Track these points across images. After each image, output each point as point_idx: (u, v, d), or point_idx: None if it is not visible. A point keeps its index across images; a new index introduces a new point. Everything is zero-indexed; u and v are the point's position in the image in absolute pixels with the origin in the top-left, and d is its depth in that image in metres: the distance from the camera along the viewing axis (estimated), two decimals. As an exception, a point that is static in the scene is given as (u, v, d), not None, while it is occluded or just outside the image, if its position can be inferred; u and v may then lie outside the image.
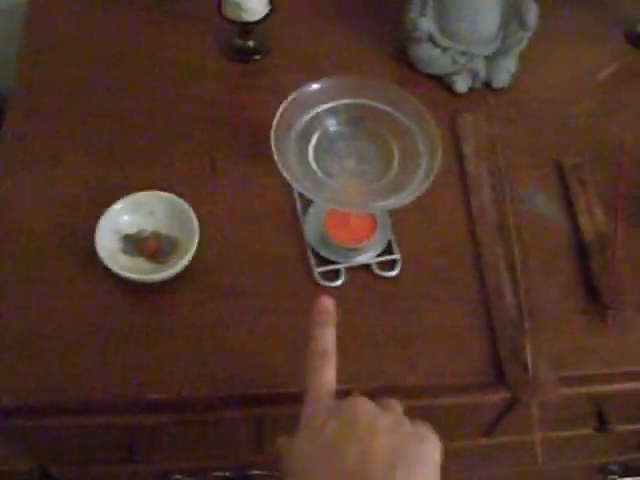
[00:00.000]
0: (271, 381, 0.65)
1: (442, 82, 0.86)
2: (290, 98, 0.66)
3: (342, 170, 0.67)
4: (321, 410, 0.47)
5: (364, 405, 0.46)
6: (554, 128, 0.85)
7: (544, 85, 0.90)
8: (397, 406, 0.48)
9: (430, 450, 0.45)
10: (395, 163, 0.66)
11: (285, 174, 0.63)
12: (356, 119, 0.67)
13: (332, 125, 0.68)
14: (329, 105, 0.67)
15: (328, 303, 0.51)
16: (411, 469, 0.43)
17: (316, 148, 0.67)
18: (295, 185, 0.63)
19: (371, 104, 0.67)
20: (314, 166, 0.66)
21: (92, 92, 0.83)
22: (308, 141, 0.67)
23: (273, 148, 0.63)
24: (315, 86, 0.67)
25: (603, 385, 0.72)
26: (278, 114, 0.65)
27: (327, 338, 0.50)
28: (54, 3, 0.91)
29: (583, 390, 0.72)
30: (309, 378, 0.48)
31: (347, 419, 0.45)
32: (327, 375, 0.49)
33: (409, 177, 0.64)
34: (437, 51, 0.85)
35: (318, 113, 0.67)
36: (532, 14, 0.83)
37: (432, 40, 0.85)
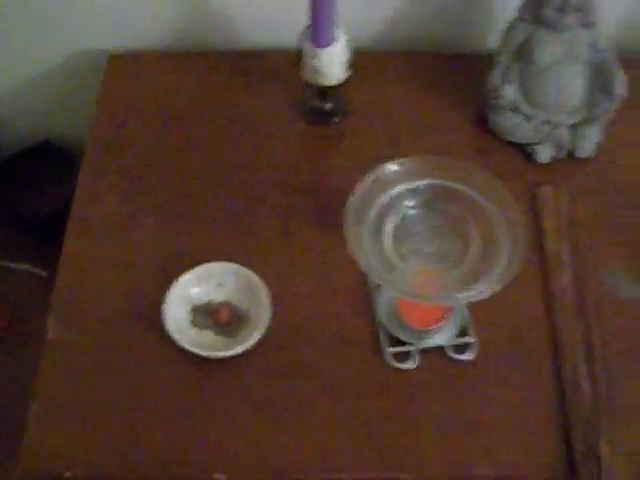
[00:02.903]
0: (320, 465, 0.65)
1: (523, 151, 0.84)
2: (369, 178, 0.65)
3: (418, 254, 0.66)
4: None
5: None
6: (641, 202, 0.82)
7: (631, 155, 0.86)
8: None
9: None
10: (475, 250, 0.64)
11: (359, 261, 0.62)
12: (436, 201, 0.65)
13: (411, 207, 0.66)
14: (409, 186, 0.66)
15: None
16: None
17: (392, 230, 0.66)
18: (369, 274, 0.62)
19: (453, 186, 0.66)
20: (389, 250, 0.65)
21: (167, 153, 0.84)
22: (384, 223, 0.66)
23: (347, 232, 0.62)
24: (394, 166, 0.65)
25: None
26: (354, 194, 0.64)
27: None
28: (128, 64, 0.93)
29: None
30: None
31: None
32: None
33: (488, 268, 0.61)
34: (519, 119, 0.83)
35: (397, 193, 0.66)
36: (619, 83, 0.80)
37: (515, 108, 0.82)
